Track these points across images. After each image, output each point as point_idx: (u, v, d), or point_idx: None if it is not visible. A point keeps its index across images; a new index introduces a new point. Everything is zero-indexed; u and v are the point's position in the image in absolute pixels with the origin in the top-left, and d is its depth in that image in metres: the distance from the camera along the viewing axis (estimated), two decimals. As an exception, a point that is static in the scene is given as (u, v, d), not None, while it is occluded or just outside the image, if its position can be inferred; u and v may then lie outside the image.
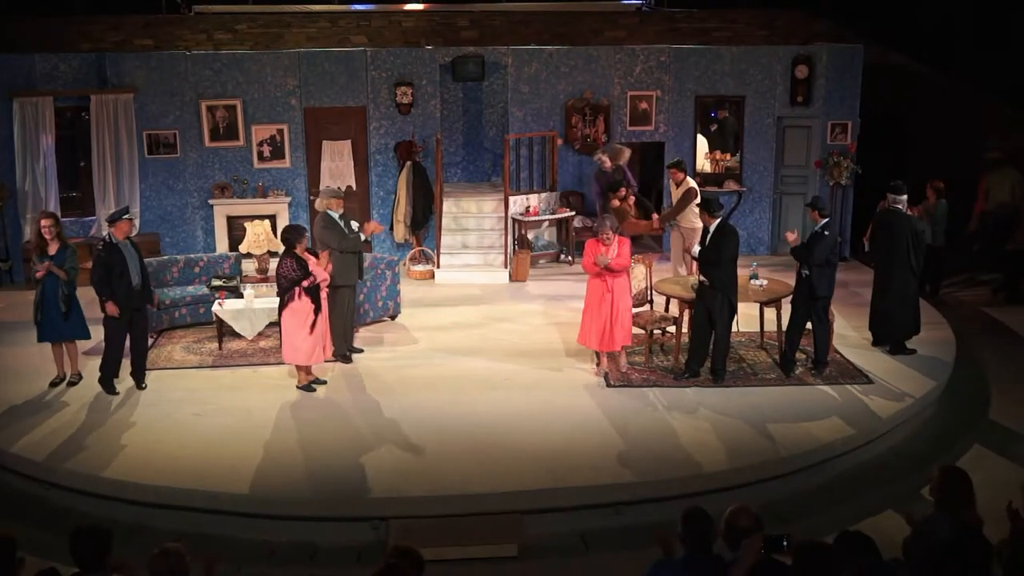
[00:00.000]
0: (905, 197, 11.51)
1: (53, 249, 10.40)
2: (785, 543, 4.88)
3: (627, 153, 15.01)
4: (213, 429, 9.67)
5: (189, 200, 16.07)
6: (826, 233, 10.60)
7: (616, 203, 13.39)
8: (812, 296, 10.60)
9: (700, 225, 11.55)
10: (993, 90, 17.57)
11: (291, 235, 10.46)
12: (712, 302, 10.41)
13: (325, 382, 10.88)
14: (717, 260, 10.34)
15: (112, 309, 10.22)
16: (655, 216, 14.12)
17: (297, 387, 10.69)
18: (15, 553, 5.15)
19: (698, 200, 12.86)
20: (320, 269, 10.38)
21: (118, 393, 10.50)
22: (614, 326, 10.59)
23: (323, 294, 10.50)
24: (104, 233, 10.43)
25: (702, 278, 10.47)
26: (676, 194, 13.72)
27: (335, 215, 11.28)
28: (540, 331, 12.51)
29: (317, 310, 10.39)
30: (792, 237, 10.79)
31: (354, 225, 11.53)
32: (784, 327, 11.11)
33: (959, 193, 15.06)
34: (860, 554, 4.84)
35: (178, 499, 8.47)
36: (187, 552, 5.02)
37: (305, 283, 10.25)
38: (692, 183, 13.72)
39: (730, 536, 5.07)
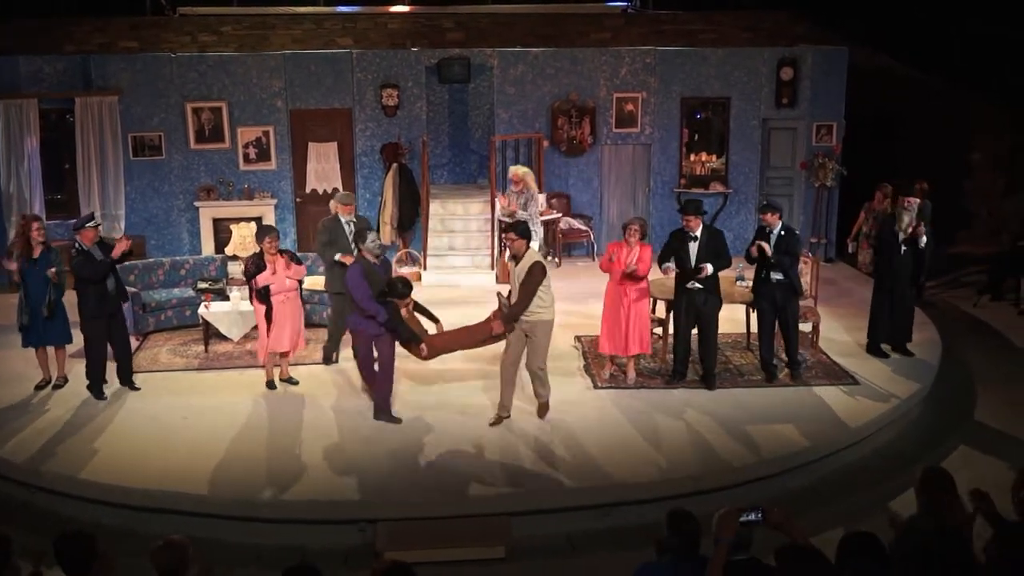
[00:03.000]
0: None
1: (38, 252, 10.34)
2: (761, 515, 4.87)
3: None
4: (200, 432, 9.64)
5: (175, 202, 16.03)
6: (797, 232, 10.69)
7: (406, 312, 9.66)
8: (795, 293, 10.66)
9: (551, 317, 9.44)
10: (981, 92, 17.66)
11: (257, 234, 10.81)
12: (704, 305, 10.38)
13: (296, 382, 10.93)
14: (728, 265, 10.40)
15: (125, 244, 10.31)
16: (492, 318, 9.57)
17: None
18: (10, 552, 5.12)
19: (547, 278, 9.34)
20: (268, 275, 10.39)
21: (106, 398, 10.45)
22: (629, 332, 10.54)
23: (277, 299, 10.48)
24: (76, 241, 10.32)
25: (696, 283, 10.34)
26: (516, 272, 9.35)
27: (343, 219, 11.13)
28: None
29: (267, 311, 10.49)
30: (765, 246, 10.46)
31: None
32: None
33: (946, 194, 15.14)
34: (864, 555, 4.82)
35: (165, 502, 8.43)
36: (190, 545, 5.00)
37: (251, 283, 10.45)
38: (538, 255, 9.75)
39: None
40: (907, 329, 11.65)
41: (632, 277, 10.34)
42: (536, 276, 9.18)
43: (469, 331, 9.83)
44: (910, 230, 11.11)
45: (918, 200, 11.25)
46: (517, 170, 14.11)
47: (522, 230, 9.36)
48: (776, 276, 10.52)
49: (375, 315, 9.36)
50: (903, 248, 11.19)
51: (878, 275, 11.69)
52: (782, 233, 10.53)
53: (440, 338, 9.78)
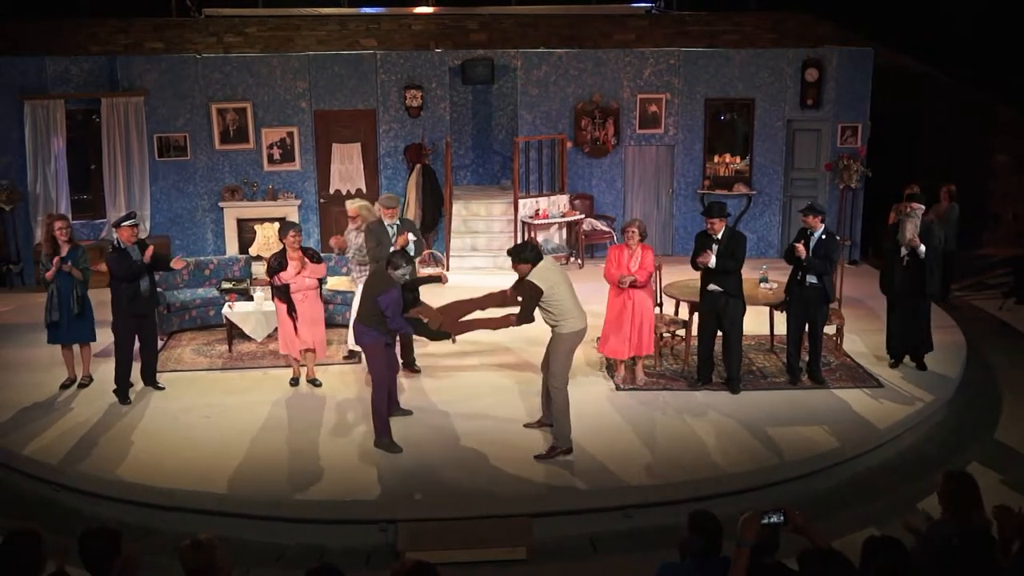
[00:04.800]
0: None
1: (65, 251, 10.41)
2: (783, 517, 4.87)
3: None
4: (222, 432, 9.68)
5: (199, 203, 16.11)
6: (838, 237, 10.51)
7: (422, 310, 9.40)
8: (827, 300, 10.59)
9: (567, 331, 8.88)
10: (1004, 93, 17.54)
11: (280, 229, 10.88)
12: (725, 307, 10.30)
13: (320, 384, 10.95)
14: (737, 268, 10.28)
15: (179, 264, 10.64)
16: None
17: None
18: (41, 548, 5.14)
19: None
20: (289, 274, 10.45)
21: (131, 402, 10.46)
22: (638, 333, 10.49)
23: (296, 297, 10.51)
24: (114, 238, 10.45)
25: (714, 286, 10.30)
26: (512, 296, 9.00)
27: (387, 223, 10.94)
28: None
29: (289, 309, 10.54)
30: (802, 248, 10.34)
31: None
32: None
33: (971, 196, 15.04)
34: (888, 559, 4.80)
35: (187, 501, 8.47)
36: (219, 546, 5.01)
37: (272, 280, 10.56)
38: (539, 278, 8.69)
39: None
40: (923, 340, 11.11)
41: (633, 285, 10.32)
42: (525, 297, 8.71)
43: (480, 300, 9.22)
44: (908, 240, 10.55)
45: (922, 207, 10.70)
46: (351, 206, 11.59)
47: (524, 253, 8.82)
48: (811, 279, 10.42)
49: (401, 330, 9.29)
50: (906, 260, 10.68)
51: (883, 287, 11.16)
52: (823, 237, 10.38)
53: (453, 310, 9.20)
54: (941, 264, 11.24)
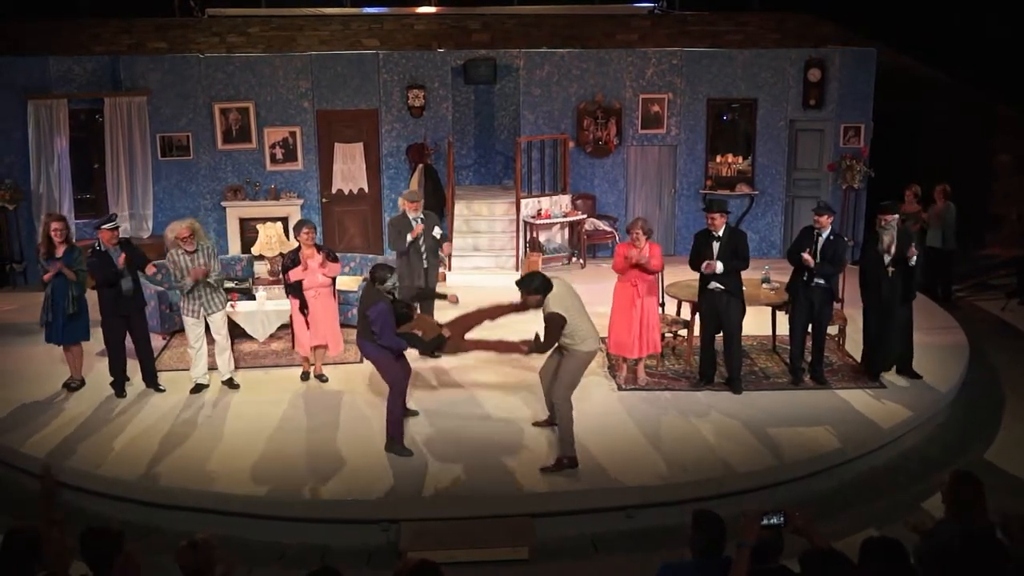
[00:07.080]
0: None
1: (61, 251, 10.43)
2: (783, 520, 4.89)
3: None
4: (224, 431, 9.69)
5: (202, 202, 16.12)
6: (845, 238, 10.48)
7: (418, 323, 9.52)
8: (832, 299, 10.56)
9: (586, 350, 8.78)
10: (1005, 93, 17.52)
11: (294, 228, 10.94)
12: (727, 306, 10.28)
13: (326, 379, 11.02)
14: (745, 267, 10.26)
15: (151, 270, 10.69)
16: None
17: None
18: (40, 546, 5.15)
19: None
20: (298, 271, 10.50)
21: (125, 395, 10.54)
22: (647, 332, 10.50)
23: (308, 294, 10.58)
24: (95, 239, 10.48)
25: (717, 284, 10.26)
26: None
27: (411, 216, 11.35)
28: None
29: (301, 306, 10.63)
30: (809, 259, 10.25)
31: (436, 232, 11.49)
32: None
33: (974, 197, 15.01)
34: (887, 560, 4.80)
35: (189, 500, 8.49)
36: (217, 546, 5.02)
37: (284, 278, 10.66)
38: (556, 306, 8.56)
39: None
40: (908, 352, 10.88)
41: (644, 269, 10.29)
42: (550, 327, 8.59)
43: (490, 311, 9.30)
44: (892, 249, 10.30)
45: (896, 216, 10.42)
46: (180, 224, 10.70)
47: (534, 284, 8.64)
48: (818, 280, 10.39)
49: (397, 348, 8.99)
50: (890, 270, 10.39)
51: (866, 300, 10.80)
52: (831, 237, 10.35)
53: (461, 324, 9.24)
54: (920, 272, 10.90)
